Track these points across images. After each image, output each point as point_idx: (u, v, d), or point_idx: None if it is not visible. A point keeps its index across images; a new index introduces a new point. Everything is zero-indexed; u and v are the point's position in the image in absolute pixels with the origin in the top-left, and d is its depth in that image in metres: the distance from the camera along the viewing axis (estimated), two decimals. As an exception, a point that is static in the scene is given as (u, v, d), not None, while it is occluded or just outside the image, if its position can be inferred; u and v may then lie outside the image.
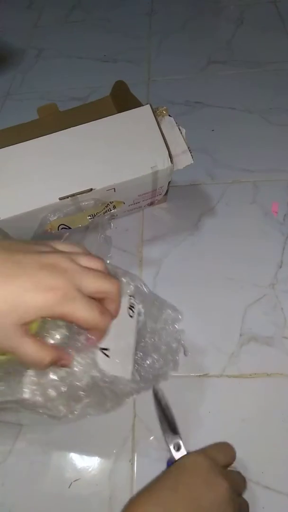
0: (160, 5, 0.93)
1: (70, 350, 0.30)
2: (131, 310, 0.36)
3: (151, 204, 0.56)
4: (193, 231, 0.55)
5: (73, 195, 0.43)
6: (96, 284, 0.29)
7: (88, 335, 0.30)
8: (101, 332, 0.31)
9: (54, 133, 0.45)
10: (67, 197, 0.42)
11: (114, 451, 0.40)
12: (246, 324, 0.46)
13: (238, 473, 0.36)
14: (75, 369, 0.31)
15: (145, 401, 0.42)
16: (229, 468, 0.36)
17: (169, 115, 0.47)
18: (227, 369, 0.44)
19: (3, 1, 1.02)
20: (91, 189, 0.43)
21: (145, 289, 0.39)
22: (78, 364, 0.31)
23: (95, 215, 0.48)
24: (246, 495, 0.36)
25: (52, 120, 0.58)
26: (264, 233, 0.54)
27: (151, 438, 0.40)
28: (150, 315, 0.38)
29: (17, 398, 0.31)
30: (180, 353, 0.43)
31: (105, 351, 0.32)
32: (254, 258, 0.51)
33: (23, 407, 0.34)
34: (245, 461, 0.38)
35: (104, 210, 0.49)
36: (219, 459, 0.33)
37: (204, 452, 0.34)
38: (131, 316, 0.35)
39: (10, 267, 0.27)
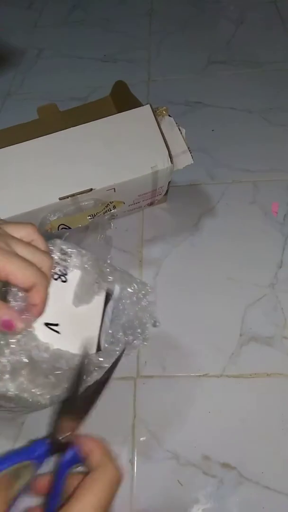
0: (160, 5, 0.93)
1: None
2: (96, 285, 0.34)
3: (151, 204, 0.56)
4: (193, 231, 0.55)
5: (73, 195, 0.43)
6: (20, 230, 0.28)
7: (29, 298, 0.27)
8: (41, 293, 0.27)
9: (54, 133, 0.45)
10: (67, 197, 0.42)
11: (114, 451, 0.40)
12: (246, 324, 0.46)
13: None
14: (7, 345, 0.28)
15: (145, 401, 0.42)
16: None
17: (169, 115, 0.47)
18: (227, 369, 0.44)
19: (3, 1, 1.02)
20: (91, 189, 0.43)
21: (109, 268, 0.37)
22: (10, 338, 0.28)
23: (95, 215, 0.48)
24: (245, 495, 0.37)
25: (52, 120, 0.58)
26: (264, 233, 0.54)
27: (151, 438, 0.40)
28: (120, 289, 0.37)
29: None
30: (148, 325, 0.39)
31: (53, 327, 0.30)
32: (254, 258, 0.51)
33: None
34: (245, 461, 0.38)
35: (104, 210, 0.49)
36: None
37: None
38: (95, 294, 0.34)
39: None
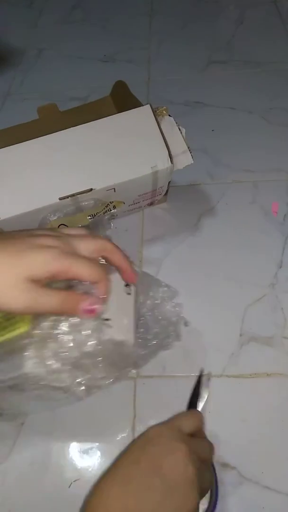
0: (160, 5, 0.93)
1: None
2: (127, 287, 0.38)
3: (151, 204, 0.56)
4: (193, 231, 0.55)
5: (73, 195, 0.43)
6: (91, 244, 0.31)
7: (94, 290, 0.31)
8: (105, 286, 0.31)
9: (54, 133, 0.45)
10: (67, 197, 0.42)
11: (115, 450, 0.40)
12: (246, 324, 0.46)
13: (205, 440, 0.34)
14: (81, 334, 0.32)
15: (145, 401, 0.42)
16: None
17: (169, 115, 0.47)
18: (227, 369, 0.44)
19: (3, 1, 1.02)
20: (91, 189, 0.43)
21: (137, 269, 0.39)
22: (82, 330, 0.32)
23: (95, 215, 0.48)
24: (245, 495, 0.37)
25: (52, 120, 0.58)
26: (264, 233, 0.54)
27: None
28: (146, 293, 0.39)
29: (20, 373, 0.32)
30: (181, 325, 0.43)
31: (107, 321, 0.34)
32: (254, 258, 0.51)
33: (28, 383, 0.34)
34: (245, 461, 0.38)
35: (104, 210, 0.49)
36: (183, 426, 0.33)
37: (168, 421, 0.33)
38: (128, 294, 0.38)
39: (15, 243, 0.29)
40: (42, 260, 0.28)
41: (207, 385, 0.42)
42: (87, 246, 0.31)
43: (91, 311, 0.30)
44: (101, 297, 0.31)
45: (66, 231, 0.33)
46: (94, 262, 0.30)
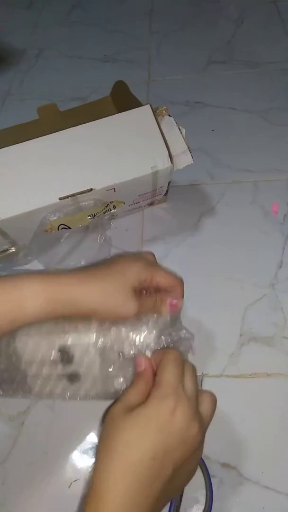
0: (160, 5, 0.93)
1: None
2: None
3: (151, 204, 0.56)
4: (193, 231, 0.55)
5: (73, 195, 0.43)
6: (167, 274, 0.38)
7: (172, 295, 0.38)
8: (181, 290, 0.39)
9: (54, 133, 0.45)
10: (67, 197, 0.42)
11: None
12: (246, 324, 0.46)
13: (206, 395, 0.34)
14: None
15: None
16: None
17: (169, 115, 0.47)
18: (227, 369, 0.44)
19: (3, 1, 1.02)
20: (91, 189, 0.43)
21: None
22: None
23: (95, 215, 0.48)
24: (245, 495, 0.37)
25: (52, 120, 0.58)
26: (264, 233, 0.54)
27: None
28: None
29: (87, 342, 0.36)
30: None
31: None
32: (254, 258, 0.51)
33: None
34: (245, 461, 0.38)
35: (104, 210, 0.49)
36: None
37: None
38: None
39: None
40: (136, 271, 0.36)
41: (201, 385, 0.42)
42: (164, 274, 0.39)
43: (176, 306, 0.37)
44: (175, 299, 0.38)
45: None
46: (170, 272, 0.39)
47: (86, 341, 0.36)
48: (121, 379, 0.36)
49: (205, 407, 0.32)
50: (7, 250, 0.50)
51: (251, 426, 0.40)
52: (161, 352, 0.35)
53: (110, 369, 0.36)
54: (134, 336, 0.36)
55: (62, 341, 0.36)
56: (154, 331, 0.36)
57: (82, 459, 0.40)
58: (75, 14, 0.96)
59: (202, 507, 0.36)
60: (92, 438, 0.41)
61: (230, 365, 0.44)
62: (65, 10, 0.97)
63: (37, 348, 0.36)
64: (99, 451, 0.29)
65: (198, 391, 0.33)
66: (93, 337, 0.36)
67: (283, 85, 0.72)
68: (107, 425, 0.30)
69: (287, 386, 0.42)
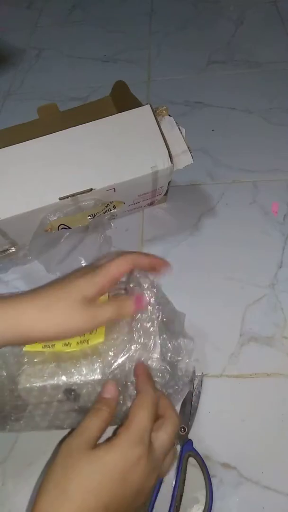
0: (160, 5, 0.93)
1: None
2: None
3: (151, 204, 0.56)
4: (193, 231, 0.55)
5: (73, 195, 0.43)
6: (117, 260, 0.36)
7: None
8: (146, 260, 0.37)
9: (54, 133, 0.45)
10: (67, 197, 0.42)
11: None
12: (246, 324, 0.46)
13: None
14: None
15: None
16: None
17: (169, 115, 0.47)
18: (227, 369, 0.44)
19: (3, 1, 1.02)
20: (91, 189, 0.43)
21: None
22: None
23: (95, 215, 0.48)
24: (245, 495, 0.37)
25: (52, 120, 0.58)
26: (264, 233, 0.54)
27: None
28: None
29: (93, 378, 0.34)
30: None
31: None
32: (254, 258, 0.51)
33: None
34: (245, 461, 0.38)
35: (104, 210, 0.49)
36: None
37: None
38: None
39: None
40: (89, 281, 0.34)
41: (200, 385, 0.42)
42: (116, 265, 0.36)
43: (140, 305, 0.35)
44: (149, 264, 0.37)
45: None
46: (120, 258, 0.36)
47: (91, 379, 0.34)
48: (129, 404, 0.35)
49: (166, 462, 0.31)
50: (7, 250, 0.50)
51: (251, 426, 0.40)
52: (142, 376, 0.33)
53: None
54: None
55: (66, 382, 0.34)
56: (156, 355, 0.35)
57: (82, 459, 0.40)
58: (75, 14, 0.96)
59: (202, 507, 0.36)
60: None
61: (230, 365, 0.44)
62: (65, 10, 0.97)
63: (42, 393, 0.35)
64: (47, 487, 0.26)
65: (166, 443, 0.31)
66: (97, 374, 0.34)
67: (283, 85, 0.72)
68: (62, 459, 0.28)
69: (287, 386, 0.42)
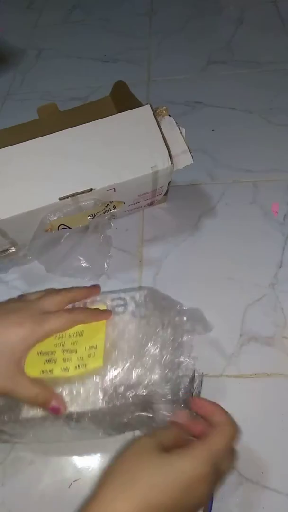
0: (160, 5, 0.93)
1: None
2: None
3: (151, 204, 0.56)
4: (193, 231, 0.55)
5: (73, 195, 0.43)
6: (53, 299, 0.37)
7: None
8: (82, 318, 0.37)
9: (54, 133, 0.45)
10: (67, 197, 0.42)
11: (115, 450, 0.40)
12: (246, 324, 0.46)
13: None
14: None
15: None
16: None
17: (169, 115, 0.47)
18: (227, 369, 0.44)
19: (3, 1, 1.02)
20: (91, 189, 0.43)
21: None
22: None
23: (95, 215, 0.48)
24: (245, 495, 0.37)
25: (52, 120, 0.58)
26: (264, 233, 0.54)
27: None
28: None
29: (94, 408, 0.34)
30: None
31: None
32: (254, 258, 0.51)
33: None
34: (245, 461, 0.38)
35: (104, 210, 0.49)
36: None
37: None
38: None
39: None
40: (22, 337, 0.33)
41: (200, 385, 0.42)
42: (50, 302, 0.37)
43: (57, 410, 0.33)
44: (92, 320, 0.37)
45: (31, 297, 0.38)
46: (60, 313, 0.36)
47: (90, 404, 0.34)
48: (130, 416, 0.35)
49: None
50: (7, 250, 0.50)
51: (251, 426, 0.40)
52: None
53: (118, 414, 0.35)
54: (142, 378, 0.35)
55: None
56: (157, 371, 0.35)
57: (82, 459, 0.40)
58: (75, 14, 0.96)
59: (202, 507, 0.36)
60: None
61: (230, 365, 0.44)
62: (65, 10, 0.97)
63: (44, 419, 0.35)
64: (114, 475, 0.28)
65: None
66: (98, 403, 0.34)
67: (283, 85, 0.72)
68: (133, 455, 0.29)
69: (287, 386, 0.42)
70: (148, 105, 0.46)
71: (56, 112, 0.59)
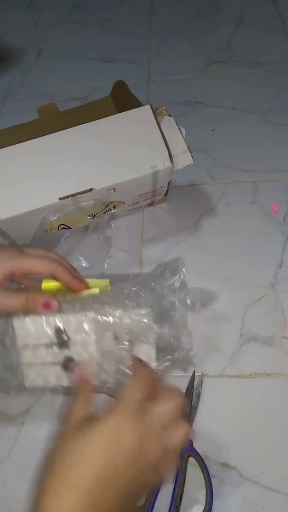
0: (160, 5, 0.93)
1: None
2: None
3: (151, 204, 0.56)
4: (193, 231, 0.55)
5: (73, 195, 0.43)
6: (36, 258, 0.36)
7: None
8: (65, 275, 0.36)
9: (54, 133, 0.45)
10: (67, 197, 0.42)
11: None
12: (246, 324, 0.46)
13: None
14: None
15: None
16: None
17: (169, 115, 0.47)
18: (227, 369, 0.44)
19: (3, 1, 1.02)
20: (91, 189, 0.43)
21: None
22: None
23: (95, 215, 0.48)
24: (245, 495, 0.37)
25: (52, 120, 0.58)
26: (264, 233, 0.54)
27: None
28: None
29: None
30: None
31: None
32: (254, 258, 0.51)
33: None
34: (245, 461, 0.38)
35: (104, 210, 0.49)
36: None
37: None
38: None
39: None
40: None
41: (200, 385, 0.42)
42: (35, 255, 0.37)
43: (49, 306, 0.34)
44: (66, 281, 0.36)
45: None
46: (43, 256, 0.36)
47: (82, 325, 0.35)
48: (117, 367, 0.35)
49: (174, 435, 0.29)
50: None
51: (251, 426, 0.40)
52: (137, 363, 0.33)
53: (107, 356, 0.35)
54: (132, 322, 0.35)
55: (58, 320, 0.35)
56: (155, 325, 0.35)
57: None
58: (75, 14, 0.96)
59: (202, 507, 0.36)
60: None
61: (230, 365, 0.44)
62: (65, 10, 0.97)
63: (33, 327, 0.35)
64: (47, 473, 0.27)
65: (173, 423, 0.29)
66: (89, 319, 0.35)
67: (283, 85, 0.72)
68: (57, 446, 0.28)
69: (287, 386, 0.42)
70: (148, 105, 0.46)
71: (56, 112, 0.59)
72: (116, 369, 0.35)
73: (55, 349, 0.36)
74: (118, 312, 0.35)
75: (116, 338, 0.35)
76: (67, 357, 0.36)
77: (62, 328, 0.35)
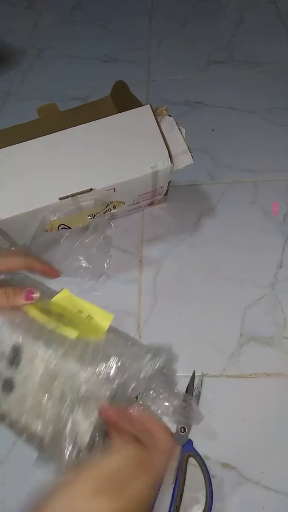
0: (160, 5, 0.93)
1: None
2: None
3: (151, 204, 0.56)
4: (193, 231, 0.55)
5: (73, 195, 0.43)
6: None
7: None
8: (39, 265, 0.37)
9: (54, 133, 0.45)
10: (67, 197, 0.42)
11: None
12: (246, 324, 0.46)
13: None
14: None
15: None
16: None
17: (169, 115, 0.47)
18: (227, 369, 0.44)
19: (3, 1, 1.02)
20: (91, 189, 0.43)
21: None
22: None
23: (95, 215, 0.48)
24: (245, 495, 0.37)
25: (52, 120, 0.58)
26: (264, 233, 0.54)
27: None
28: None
29: None
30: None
31: None
32: (254, 258, 0.51)
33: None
34: (245, 461, 0.38)
35: (104, 210, 0.49)
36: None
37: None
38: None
39: None
40: None
41: (200, 385, 0.42)
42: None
43: (31, 298, 0.34)
44: (41, 270, 0.37)
45: None
46: (15, 252, 0.38)
47: (38, 353, 0.32)
48: (44, 419, 0.31)
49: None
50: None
51: (251, 426, 0.40)
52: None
53: (45, 399, 0.31)
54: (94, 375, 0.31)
55: (20, 339, 0.32)
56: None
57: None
58: (75, 14, 0.96)
59: (202, 507, 0.36)
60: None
61: (230, 365, 0.44)
62: (65, 10, 0.97)
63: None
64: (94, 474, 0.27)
65: None
66: (47, 352, 0.31)
67: (283, 85, 0.72)
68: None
69: (287, 386, 0.42)
70: (148, 105, 0.46)
71: (56, 112, 0.59)
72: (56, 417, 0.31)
73: (5, 363, 0.32)
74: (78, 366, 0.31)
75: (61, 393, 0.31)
76: (10, 378, 0.32)
77: (21, 348, 0.32)
